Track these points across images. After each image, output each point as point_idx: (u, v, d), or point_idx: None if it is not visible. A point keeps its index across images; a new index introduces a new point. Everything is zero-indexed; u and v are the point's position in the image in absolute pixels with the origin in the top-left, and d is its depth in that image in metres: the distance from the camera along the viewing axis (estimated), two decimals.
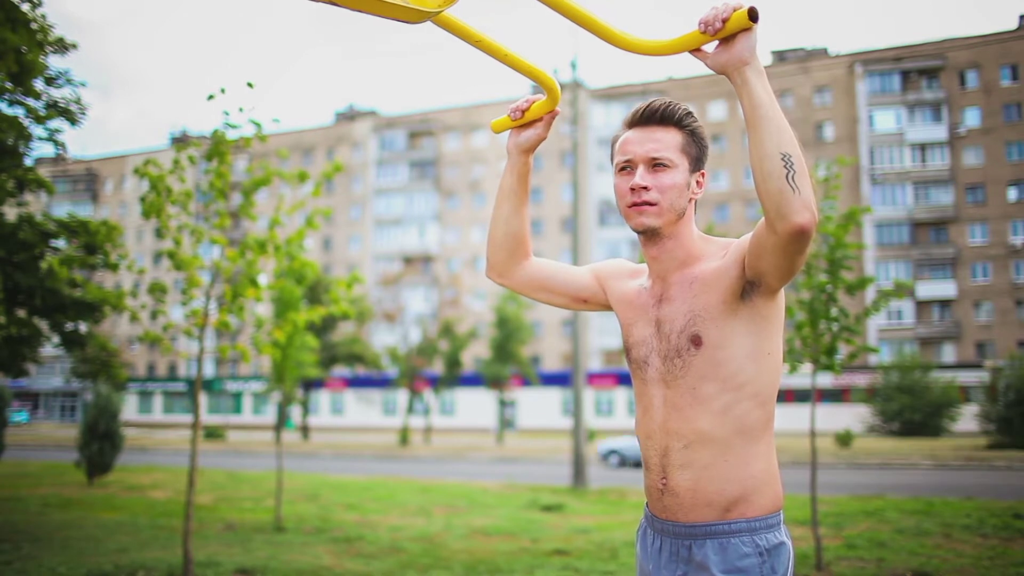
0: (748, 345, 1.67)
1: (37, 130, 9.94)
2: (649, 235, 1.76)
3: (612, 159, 1.82)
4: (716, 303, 1.68)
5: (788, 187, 1.44)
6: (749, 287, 1.65)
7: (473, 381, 46.42)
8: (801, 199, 1.44)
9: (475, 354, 48.86)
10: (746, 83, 1.49)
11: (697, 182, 1.77)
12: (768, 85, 1.49)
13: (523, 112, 1.90)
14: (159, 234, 6.57)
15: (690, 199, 1.76)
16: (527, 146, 1.93)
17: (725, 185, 50.44)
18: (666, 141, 1.74)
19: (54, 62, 14.72)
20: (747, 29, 1.47)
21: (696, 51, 1.55)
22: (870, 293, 33.04)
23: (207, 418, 54.85)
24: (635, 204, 1.73)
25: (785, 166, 1.45)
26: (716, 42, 1.52)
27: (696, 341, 1.68)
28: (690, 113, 1.77)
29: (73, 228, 10.55)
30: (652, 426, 1.76)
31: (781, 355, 1.72)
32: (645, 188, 1.72)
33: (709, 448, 1.67)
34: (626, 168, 1.76)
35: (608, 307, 1.96)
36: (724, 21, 1.46)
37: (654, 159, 1.73)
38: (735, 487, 1.66)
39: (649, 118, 1.75)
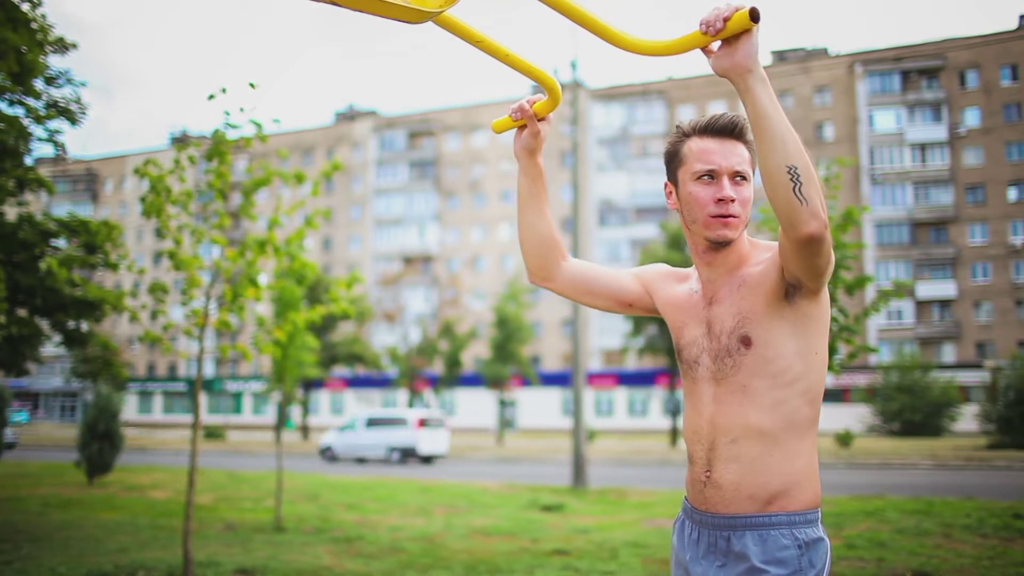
0: (795, 345, 1.71)
1: (37, 130, 9.95)
2: (722, 245, 1.79)
3: (677, 163, 1.82)
4: (762, 305, 1.72)
5: (795, 199, 1.49)
6: (791, 289, 1.70)
7: (473, 381, 46.42)
8: (809, 209, 1.49)
9: (475, 354, 48.86)
10: (749, 91, 1.51)
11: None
12: (772, 93, 1.51)
13: (523, 112, 1.91)
14: (159, 234, 6.57)
15: None
16: (531, 147, 1.95)
17: None
18: (744, 155, 1.78)
19: (54, 62, 14.72)
20: (748, 30, 1.47)
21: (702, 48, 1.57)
22: (870, 293, 33.04)
23: (207, 418, 54.85)
24: (720, 216, 1.75)
25: (791, 179, 1.49)
26: (719, 41, 1.53)
27: (746, 342, 1.73)
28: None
29: (73, 228, 10.56)
30: (700, 421, 1.80)
31: (827, 355, 1.76)
32: (732, 200, 1.75)
33: (757, 442, 1.71)
34: (705, 177, 1.76)
35: (652, 312, 1.99)
36: (725, 20, 1.47)
37: (737, 172, 1.76)
38: (778, 481, 1.70)
39: (730, 131, 1.78)
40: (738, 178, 1.76)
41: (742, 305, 1.74)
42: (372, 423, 25.57)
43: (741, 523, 1.70)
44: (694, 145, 1.79)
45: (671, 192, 1.87)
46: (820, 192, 1.51)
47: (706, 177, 1.76)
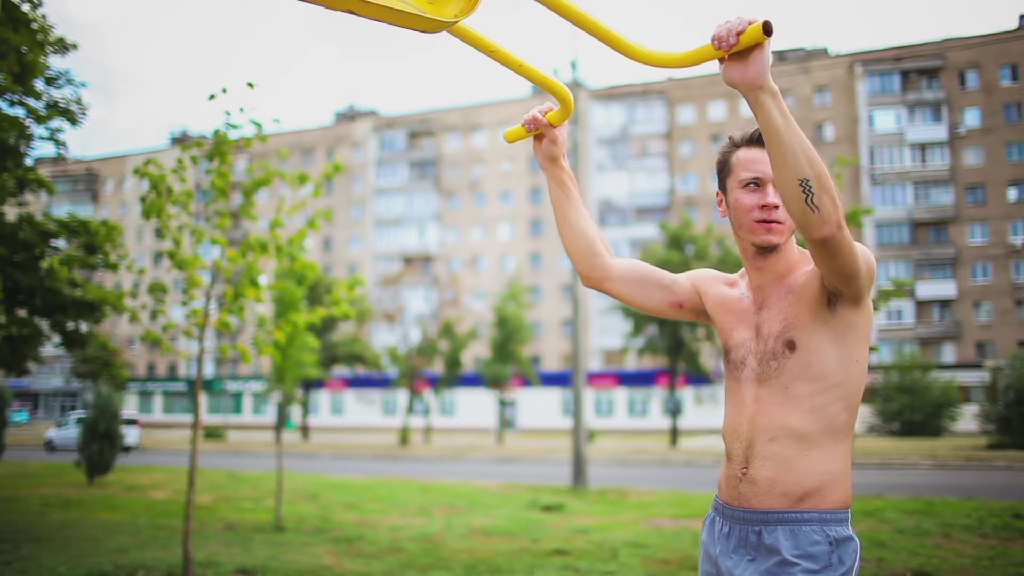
0: (837, 351, 1.75)
1: (38, 130, 9.94)
2: (768, 250, 1.84)
3: (727, 172, 1.90)
4: (807, 312, 1.77)
5: (808, 209, 1.55)
6: (833, 298, 1.75)
7: (473, 381, 46.41)
8: (820, 217, 1.54)
9: (475, 354, 48.84)
10: (760, 105, 1.52)
11: None
12: (783, 106, 1.53)
13: (537, 123, 1.94)
14: (159, 234, 6.57)
15: None
16: (553, 155, 1.99)
17: None
18: None
19: (55, 62, 14.72)
20: (760, 44, 1.46)
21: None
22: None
23: (207, 418, 54.85)
24: (765, 221, 1.82)
25: (803, 191, 1.54)
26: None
27: (790, 346, 1.77)
28: None
29: (73, 228, 10.56)
30: (740, 420, 1.84)
31: (867, 363, 1.81)
32: (776, 207, 1.81)
33: (794, 443, 1.75)
34: (751, 185, 1.84)
35: (699, 314, 2.02)
36: (739, 35, 1.46)
37: None
38: (812, 480, 1.73)
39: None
40: None
41: (789, 312, 1.79)
42: (79, 421, 31.70)
43: (773, 518, 1.73)
44: (742, 155, 1.87)
45: (721, 200, 1.95)
46: (834, 196, 1.55)
47: (752, 184, 1.83)
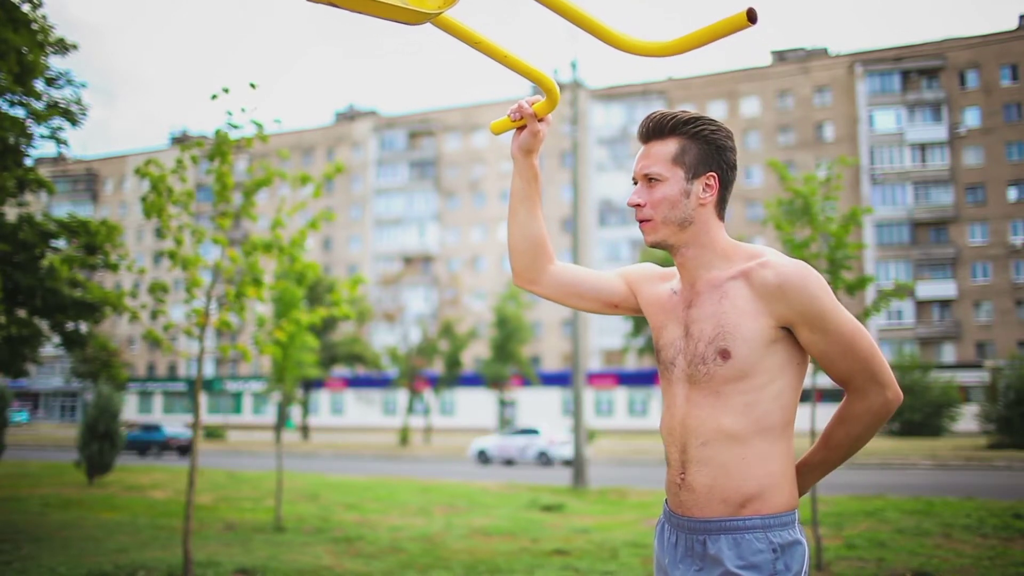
0: (778, 359, 1.68)
1: (38, 130, 9.93)
2: (662, 248, 1.80)
3: None
4: (745, 328, 1.68)
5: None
6: (785, 331, 1.68)
7: (473, 381, 46.41)
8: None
9: (475, 354, 48.84)
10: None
11: (707, 185, 1.74)
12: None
13: (522, 111, 1.89)
14: (159, 234, 6.57)
15: (700, 205, 1.74)
16: (528, 147, 1.92)
17: None
18: (658, 155, 1.75)
19: (55, 63, 14.72)
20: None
21: None
22: (870, 293, 33.03)
23: (207, 418, 54.84)
24: (638, 222, 1.79)
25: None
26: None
27: (724, 354, 1.68)
28: (690, 120, 1.74)
29: (73, 228, 10.55)
30: (674, 423, 1.77)
31: (808, 361, 1.73)
32: (639, 206, 1.76)
33: (728, 446, 1.68)
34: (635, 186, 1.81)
35: (638, 311, 1.96)
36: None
37: (646, 175, 1.76)
38: (751, 485, 1.67)
39: (646, 134, 1.78)
40: (650, 180, 1.75)
41: (723, 318, 1.69)
42: None
43: (715, 527, 1.68)
44: None
45: None
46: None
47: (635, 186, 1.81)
